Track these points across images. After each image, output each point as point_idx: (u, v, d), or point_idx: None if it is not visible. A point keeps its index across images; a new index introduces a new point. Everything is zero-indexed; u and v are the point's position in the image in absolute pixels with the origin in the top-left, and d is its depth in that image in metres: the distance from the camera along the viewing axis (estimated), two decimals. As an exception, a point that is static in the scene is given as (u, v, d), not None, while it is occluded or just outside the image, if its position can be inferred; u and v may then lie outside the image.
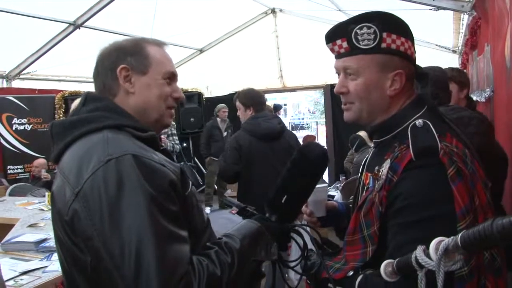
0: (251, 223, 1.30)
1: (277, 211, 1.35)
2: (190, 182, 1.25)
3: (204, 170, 7.88)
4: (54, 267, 2.07)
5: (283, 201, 1.33)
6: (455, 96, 2.51)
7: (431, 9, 3.88)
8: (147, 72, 1.28)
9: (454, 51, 5.90)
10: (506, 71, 2.29)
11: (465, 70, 3.97)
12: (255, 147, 3.47)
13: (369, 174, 1.27)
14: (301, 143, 6.58)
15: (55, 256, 2.28)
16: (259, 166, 3.43)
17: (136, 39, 1.34)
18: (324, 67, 7.46)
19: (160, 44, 1.34)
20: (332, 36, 1.29)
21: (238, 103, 3.63)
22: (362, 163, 1.42)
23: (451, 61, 5.53)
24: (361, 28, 1.23)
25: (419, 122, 1.17)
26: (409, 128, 1.18)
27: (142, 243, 0.99)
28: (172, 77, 1.33)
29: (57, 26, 5.77)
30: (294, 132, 9.52)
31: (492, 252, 1.08)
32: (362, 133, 5.84)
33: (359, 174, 1.42)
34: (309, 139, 7.41)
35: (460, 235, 0.75)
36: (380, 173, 1.18)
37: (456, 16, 4.41)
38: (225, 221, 6.04)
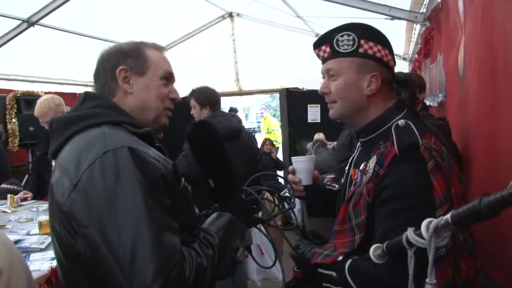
0: (221, 215, 1.37)
1: (219, 195, 1.43)
2: (183, 179, 1.31)
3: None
4: (35, 266, 2.06)
5: (213, 185, 1.42)
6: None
7: (386, 19, 4.10)
8: (145, 74, 1.34)
9: (404, 59, 6.26)
10: (459, 79, 2.50)
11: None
12: None
13: (357, 170, 1.40)
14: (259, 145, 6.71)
15: (33, 256, 2.27)
16: None
17: (136, 42, 1.40)
18: (280, 72, 7.68)
19: (159, 48, 1.42)
20: (318, 43, 1.46)
21: (193, 102, 3.51)
22: (349, 161, 1.55)
23: (402, 68, 5.84)
24: (342, 36, 1.41)
25: (401, 122, 1.32)
26: (392, 128, 1.32)
27: (138, 229, 1.04)
28: (169, 77, 1.40)
29: (9, 23, 5.56)
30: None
31: (465, 235, 1.22)
32: (320, 136, 6.07)
33: (346, 171, 1.55)
34: (269, 142, 7.52)
35: (450, 214, 0.87)
36: (368, 167, 1.31)
37: (409, 26, 4.69)
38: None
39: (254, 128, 21.23)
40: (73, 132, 1.22)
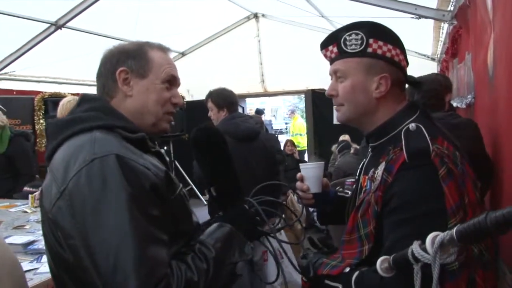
0: (221, 226, 1.31)
1: (221, 204, 1.39)
2: (179, 186, 1.26)
3: (184, 173, 7.83)
4: (45, 268, 2.02)
5: (214, 194, 1.37)
6: None
7: (412, 18, 3.97)
8: (146, 76, 1.28)
9: (432, 59, 6.06)
10: (488, 79, 2.38)
11: (445, 77, 4.09)
12: (234, 149, 3.23)
13: (366, 177, 1.32)
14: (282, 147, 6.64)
15: (45, 258, 2.21)
16: (237, 169, 3.23)
17: (140, 42, 1.34)
18: (306, 72, 7.60)
19: (164, 49, 1.35)
20: (325, 43, 1.40)
21: (210, 104, 3.42)
22: (360, 167, 1.47)
23: (430, 68, 5.66)
24: (350, 35, 1.33)
25: (412, 126, 1.24)
26: (402, 132, 1.24)
27: (122, 241, 1.00)
28: (172, 80, 1.33)
29: (37, 26, 5.69)
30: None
31: (480, 248, 1.13)
32: (346, 137, 5.97)
33: (357, 177, 1.48)
34: (290, 143, 7.45)
35: (455, 229, 0.79)
36: (376, 175, 1.23)
37: (436, 25, 4.53)
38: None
39: (281, 129, 21.10)
40: (65, 137, 1.18)
